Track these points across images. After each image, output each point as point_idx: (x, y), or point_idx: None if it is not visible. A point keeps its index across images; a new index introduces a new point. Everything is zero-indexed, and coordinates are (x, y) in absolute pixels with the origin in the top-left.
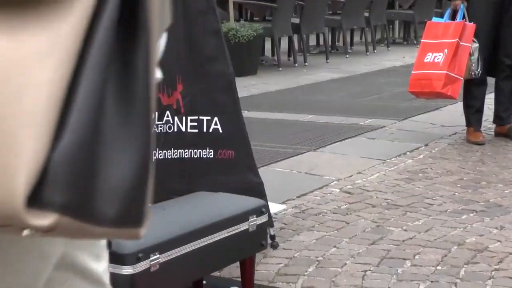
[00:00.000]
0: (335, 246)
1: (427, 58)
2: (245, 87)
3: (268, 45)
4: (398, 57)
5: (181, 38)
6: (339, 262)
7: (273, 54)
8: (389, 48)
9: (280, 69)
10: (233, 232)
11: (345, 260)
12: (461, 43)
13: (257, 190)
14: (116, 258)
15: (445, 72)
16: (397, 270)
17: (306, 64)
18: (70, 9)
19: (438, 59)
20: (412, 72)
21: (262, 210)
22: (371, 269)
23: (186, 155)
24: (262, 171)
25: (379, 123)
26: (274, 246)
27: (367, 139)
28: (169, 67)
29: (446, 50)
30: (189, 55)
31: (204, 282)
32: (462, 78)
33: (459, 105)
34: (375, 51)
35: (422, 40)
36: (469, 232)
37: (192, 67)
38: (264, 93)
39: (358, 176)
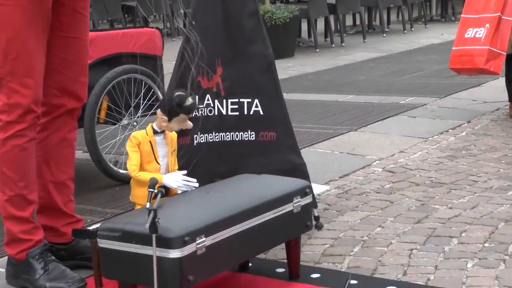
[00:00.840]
0: (380, 226)
1: (467, 34)
2: (283, 69)
3: (304, 26)
4: (436, 35)
5: (219, 21)
6: (385, 241)
7: (309, 36)
8: (426, 26)
9: (317, 50)
10: (278, 213)
11: (391, 239)
12: (503, 17)
13: (300, 171)
14: (162, 242)
15: (488, 47)
16: (443, 248)
17: (343, 44)
18: None
19: (479, 34)
20: (453, 48)
21: (306, 191)
22: (417, 247)
23: (228, 138)
24: (304, 153)
25: (420, 101)
26: (319, 227)
27: (408, 118)
28: (209, 51)
29: (487, 25)
30: (228, 38)
31: (250, 264)
32: (504, 53)
33: (501, 81)
34: (412, 29)
35: (462, 16)
36: None
37: (231, 50)
38: (302, 74)
39: (401, 155)
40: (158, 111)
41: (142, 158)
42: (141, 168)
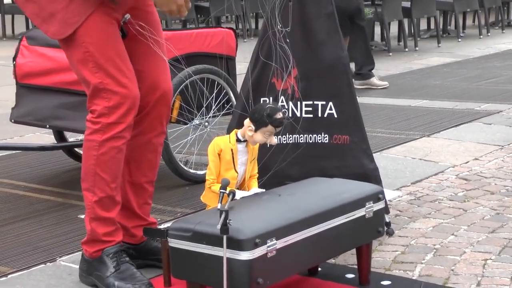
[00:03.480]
0: (453, 234)
1: None
2: None
3: (377, 29)
4: None
5: (295, 22)
6: (458, 250)
7: (382, 39)
8: (504, 31)
9: (390, 54)
10: (350, 218)
11: (464, 248)
12: None
13: (372, 176)
14: (233, 243)
15: None
16: None
17: (417, 48)
18: None
19: None
20: None
21: (379, 196)
22: (492, 257)
23: (301, 140)
24: (376, 157)
25: (496, 108)
26: (390, 233)
27: (483, 124)
28: (284, 52)
29: None
30: (303, 39)
31: (320, 269)
32: None
33: None
34: (488, 34)
35: None
36: None
37: (306, 51)
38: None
39: (475, 162)
40: (246, 120)
41: (222, 166)
42: (219, 175)
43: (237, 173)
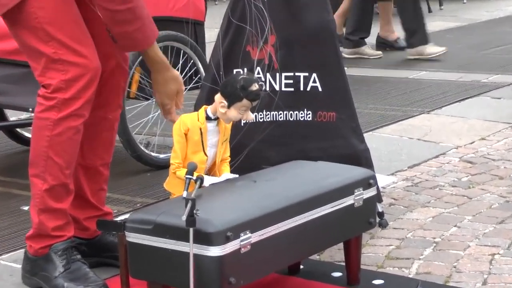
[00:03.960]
0: (455, 225)
1: None
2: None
3: None
4: None
5: None
6: (461, 244)
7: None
8: None
9: None
10: (336, 207)
11: (468, 242)
12: None
13: (363, 158)
14: (201, 237)
15: None
16: None
17: (441, 7)
18: None
19: None
20: None
21: (369, 181)
22: (500, 252)
23: (281, 117)
24: (367, 138)
25: (505, 80)
26: (383, 224)
27: (491, 99)
28: (260, 15)
29: None
30: (283, 0)
31: (302, 266)
32: None
33: None
34: None
35: None
36: None
37: (286, 15)
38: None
39: (481, 142)
40: (217, 95)
41: (188, 148)
42: (185, 158)
43: (207, 156)
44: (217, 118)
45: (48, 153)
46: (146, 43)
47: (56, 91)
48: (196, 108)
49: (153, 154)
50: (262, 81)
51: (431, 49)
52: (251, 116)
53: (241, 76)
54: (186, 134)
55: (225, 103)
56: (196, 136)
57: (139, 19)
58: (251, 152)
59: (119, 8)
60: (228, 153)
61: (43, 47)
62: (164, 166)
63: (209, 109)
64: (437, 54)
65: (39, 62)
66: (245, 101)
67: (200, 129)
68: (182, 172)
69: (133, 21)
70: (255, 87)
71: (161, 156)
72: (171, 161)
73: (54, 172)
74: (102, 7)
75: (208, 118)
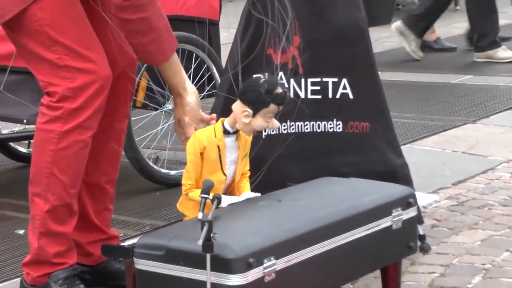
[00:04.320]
0: (508, 250)
1: None
2: (376, 40)
3: None
4: None
5: None
6: None
7: None
8: None
9: None
10: (372, 230)
11: None
12: None
13: (400, 174)
14: (220, 264)
15: None
16: None
17: (457, 8)
18: None
19: None
20: None
21: (409, 200)
22: None
23: (307, 128)
24: (405, 151)
25: None
26: (425, 249)
27: None
28: (282, 12)
29: None
30: None
31: None
32: None
33: None
34: None
35: None
36: None
37: (311, 13)
38: (402, 47)
39: None
40: (236, 104)
41: (204, 167)
42: (200, 178)
43: (226, 175)
44: (236, 132)
45: (52, 169)
46: (161, 57)
47: (62, 100)
48: None
49: (163, 170)
50: (286, 88)
51: (503, 53)
52: (276, 124)
53: (263, 80)
54: (202, 153)
55: (250, 111)
56: (213, 154)
57: (154, 30)
58: (273, 167)
59: (132, 17)
60: (248, 167)
61: (46, 53)
62: (175, 184)
63: (227, 122)
64: (510, 60)
65: (42, 69)
66: (272, 106)
67: (218, 147)
68: (195, 194)
69: (148, 32)
70: (280, 89)
71: (172, 172)
72: (183, 182)
73: (57, 191)
74: (114, 15)
75: (226, 132)
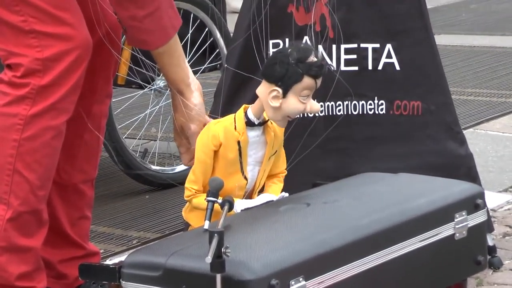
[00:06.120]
0: None
1: None
2: None
3: None
4: None
5: None
6: None
7: None
8: None
9: None
10: (429, 240)
11: None
12: None
13: (464, 167)
14: (234, 287)
15: None
16: None
17: None
18: None
19: None
20: None
21: (476, 202)
22: None
23: (339, 110)
24: (467, 137)
25: None
26: (496, 264)
27: None
28: None
29: None
30: None
31: None
32: None
33: None
34: None
35: None
36: None
37: None
38: (460, 2)
39: None
40: (261, 87)
41: (218, 169)
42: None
43: (247, 180)
44: (263, 123)
45: (15, 165)
46: (160, 37)
47: (29, 75)
48: (217, 98)
49: (153, 167)
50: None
51: None
52: (316, 106)
53: (291, 48)
54: (216, 151)
55: (279, 90)
56: (231, 153)
57: (153, 1)
58: (297, 162)
59: None
60: (283, 167)
61: (7, 15)
62: (168, 184)
63: (250, 110)
64: None
65: (1, 35)
66: (306, 80)
67: (238, 143)
68: (199, 200)
69: (144, 2)
70: (314, 57)
71: (166, 169)
72: (187, 185)
73: (22, 193)
74: None
75: (249, 124)
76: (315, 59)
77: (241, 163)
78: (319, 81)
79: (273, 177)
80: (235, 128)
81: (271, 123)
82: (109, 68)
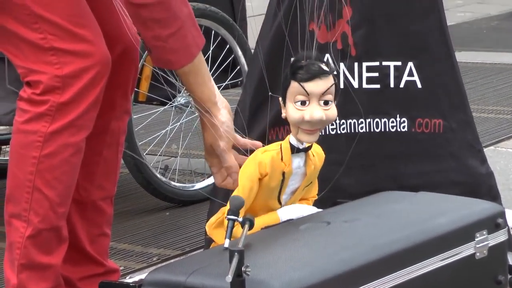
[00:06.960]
0: None
1: None
2: (447, 10)
3: None
4: None
5: None
6: None
7: None
8: None
9: None
10: (449, 261)
11: None
12: None
13: (485, 186)
14: None
15: None
16: None
17: None
18: None
19: None
20: None
21: (497, 221)
22: None
23: (361, 128)
24: (488, 155)
25: None
26: None
27: None
28: None
29: None
30: None
31: None
32: None
33: None
34: None
35: None
36: None
37: None
38: (481, 19)
39: None
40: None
41: (257, 196)
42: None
43: (280, 204)
44: (306, 150)
45: (35, 182)
46: (185, 57)
47: (48, 92)
48: (238, 117)
49: (173, 183)
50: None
51: None
52: (317, 114)
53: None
54: (261, 179)
55: (281, 99)
56: (274, 182)
57: (176, 19)
58: (322, 179)
59: (147, 1)
60: (315, 193)
61: (27, 32)
62: (189, 201)
63: (292, 136)
64: None
65: (21, 52)
66: (294, 85)
67: (283, 174)
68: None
69: (168, 22)
70: (309, 63)
71: (187, 186)
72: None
73: (42, 211)
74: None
75: (293, 150)
76: (305, 63)
77: (280, 191)
78: (314, 87)
79: (304, 200)
80: (282, 159)
81: (313, 155)
82: (128, 85)
